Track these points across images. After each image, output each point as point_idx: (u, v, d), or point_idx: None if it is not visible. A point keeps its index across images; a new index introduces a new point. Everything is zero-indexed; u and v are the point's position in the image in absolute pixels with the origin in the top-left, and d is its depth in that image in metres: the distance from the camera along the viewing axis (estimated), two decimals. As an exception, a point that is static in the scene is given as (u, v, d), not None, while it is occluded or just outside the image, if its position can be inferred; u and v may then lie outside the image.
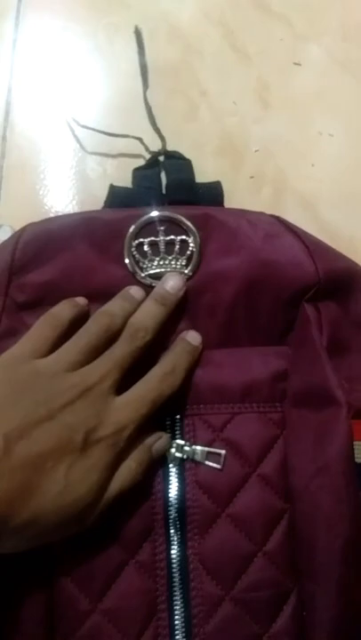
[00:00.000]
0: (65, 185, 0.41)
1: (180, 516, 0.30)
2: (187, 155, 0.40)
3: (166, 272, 0.34)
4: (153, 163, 0.39)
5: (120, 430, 0.28)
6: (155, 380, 0.30)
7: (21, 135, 0.42)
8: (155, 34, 0.43)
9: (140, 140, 0.40)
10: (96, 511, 0.28)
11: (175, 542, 0.30)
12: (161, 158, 0.40)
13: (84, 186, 0.41)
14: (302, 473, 0.29)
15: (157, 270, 0.34)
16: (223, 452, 0.31)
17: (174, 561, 0.30)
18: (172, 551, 0.30)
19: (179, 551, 0.30)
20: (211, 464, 0.31)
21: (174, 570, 0.30)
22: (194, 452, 0.31)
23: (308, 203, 0.41)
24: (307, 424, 0.30)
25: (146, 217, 0.34)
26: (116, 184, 0.38)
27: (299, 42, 0.44)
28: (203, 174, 0.39)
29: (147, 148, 0.40)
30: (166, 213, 0.34)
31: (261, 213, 0.36)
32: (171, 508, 0.30)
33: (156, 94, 0.42)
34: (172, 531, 0.30)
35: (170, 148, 0.40)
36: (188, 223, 0.34)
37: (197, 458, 0.31)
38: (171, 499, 0.30)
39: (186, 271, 0.34)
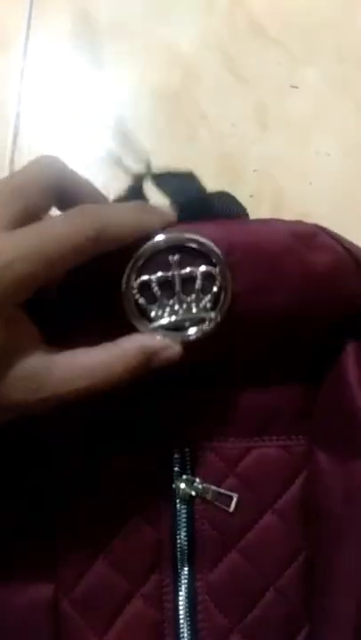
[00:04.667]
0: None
1: (190, 550, 0.27)
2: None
3: (185, 319, 0.24)
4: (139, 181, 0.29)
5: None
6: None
7: (29, 158, 0.41)
8: (157, 60, 0.43)
9: (119, 158, 0.37)
10: None
11: (183, 575, 0.27)
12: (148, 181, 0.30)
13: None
14: (328, 522, 0.26)
15: (171, 319, 0.23)
16: (235, 495, 0.27)
17: (181, 593, 0.27)
18: (180, 584, 0.27)
19: (187, 583, 0.27)
20: (221, 506, 0.27)
21: (181, 602, 0.27)
22: (204, 490, 0.27)
23: (306, 220, 0.41)
24: (335, 473, 0.26)
25: (151, 243, 0.23)
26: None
27: (296, 65, 0.43)
28: (203, 195, 0.38)
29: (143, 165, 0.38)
30: (178, 235, 0.23)
31: (302, 223, 0.26)
32: (179, 542, 0.27)
33: (157, 118, 0.41)
34: (179, 563, 0.27)
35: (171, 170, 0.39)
36: (215, 249, 0.23)
37: (208, 497, 0.27)
38: (179, 533, 0.27)
39: (212, 315, 0.24)
